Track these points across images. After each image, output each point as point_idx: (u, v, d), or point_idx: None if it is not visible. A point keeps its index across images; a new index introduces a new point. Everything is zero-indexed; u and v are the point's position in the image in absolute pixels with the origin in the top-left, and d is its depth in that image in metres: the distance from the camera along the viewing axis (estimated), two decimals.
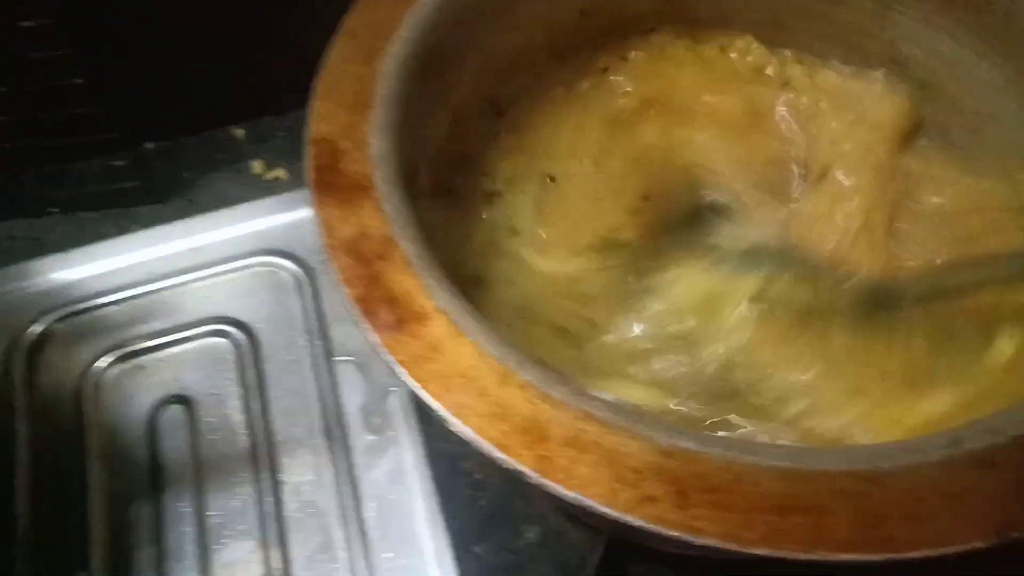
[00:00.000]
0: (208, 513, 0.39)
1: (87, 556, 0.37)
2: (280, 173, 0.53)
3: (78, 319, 0.44)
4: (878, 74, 0.37)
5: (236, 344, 0.43)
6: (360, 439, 0.40)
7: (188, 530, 0.38)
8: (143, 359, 0.43)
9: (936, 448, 0.20)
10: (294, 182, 0.53)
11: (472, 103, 0.34)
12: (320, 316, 0.44)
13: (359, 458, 0.40)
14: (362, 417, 0.41)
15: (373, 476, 0.39)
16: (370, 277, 0.26)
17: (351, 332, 0.43)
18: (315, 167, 0.28)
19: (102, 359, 0.43)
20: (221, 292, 0.45)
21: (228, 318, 0.44)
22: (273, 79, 0.53)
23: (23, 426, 0.40)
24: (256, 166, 0.54)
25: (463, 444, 0.36)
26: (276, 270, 0.45)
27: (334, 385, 0.42)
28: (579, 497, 0.22)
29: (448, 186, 0.34)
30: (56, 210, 0.51)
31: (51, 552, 0.37)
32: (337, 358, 0.42)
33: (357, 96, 0.29)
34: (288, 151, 0.54)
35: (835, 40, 0.38)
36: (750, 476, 0.21)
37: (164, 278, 0.45)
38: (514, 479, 0.22)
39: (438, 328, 0.25)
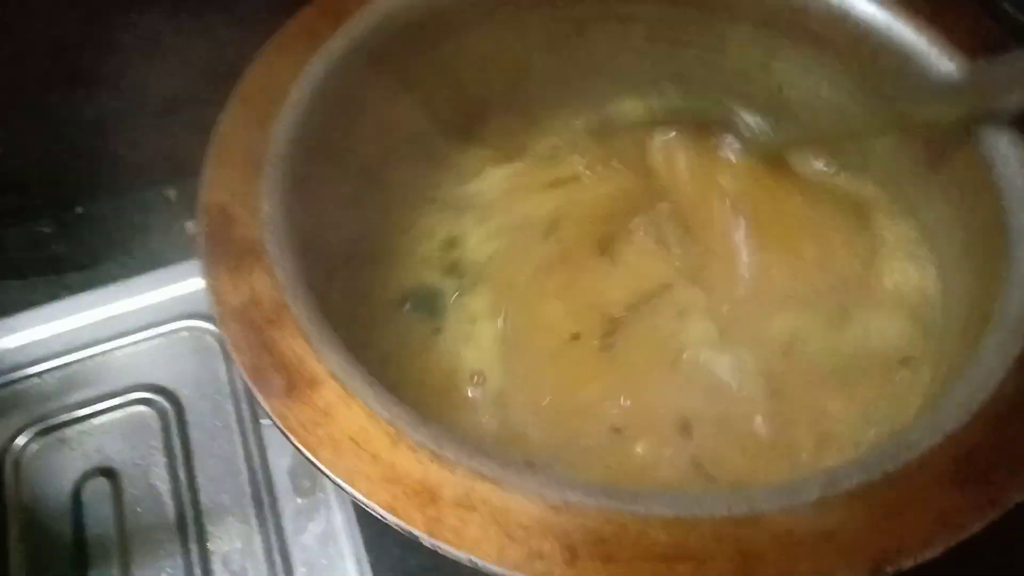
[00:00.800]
0: None
1: None
2: None
3: None
4: None
5: (161, 412, 0.43)
6: (289, 503, 0.40)
7: None
8: (65, 431, 0.42)
9: (812, 488, 0.20)
10: None
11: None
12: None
13: (289, 522, 0.39)
14: (291, 480, 0.40)
15: (303, 540, 0.39)
16: (261, 344, 0.26)
17: None
18: (206, 234, 0.28)
19: (22, 435, 0.42)
20: (145, 358, 0.44)
21: (153, 385, 0.43)
22: (202, 140, 0.53)
23: None
24: (190, 227, 0.53)
25: None
26: (201, 334, 0.45)
27: (262, 449, 0.41)
28: (470, 557, 0.22)
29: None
30: None
31: None
32: (264, 421, 0.42)
33: (249, 161, 0.29)
34: None
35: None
36: (636, 526, 0.21)
37: (86, 347, 0.44)
38: None
39: (329, 392, 0.25)
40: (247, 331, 0.26)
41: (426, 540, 0.22)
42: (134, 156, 0.52)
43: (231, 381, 0.43)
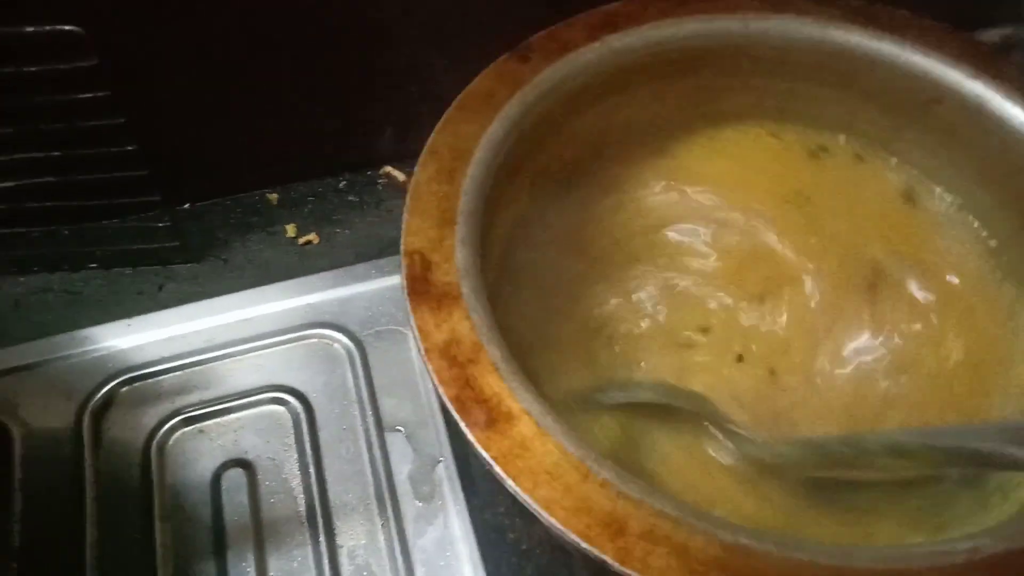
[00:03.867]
0: (269, 574, 0.41)
1: None
2: (312, 237, 0.57)
3: (141, 384, 0.47)
4: None
5: (293, 412, 0.46)
6: (410, 506, 0.43)
7: None
8: (204, 424, 0.46)
9: (960, 550, 0.24)
10: (325, 246, 0.56)
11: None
12: (371, 387, 0.47)
13: (409, 525, 0.43)
14: (411, 485, 0.44)
15: (423, 543, 0.42)
16: (463, 379, 0.30)
17: (400, 404, 0.46)
18: (408, 276, 0.32)
19: (166, 424, 0.45)
20: (277, 362, 0.48)
21: (285, 386, 0.47)
22: (305, 148, 0.57)
23: (91, 486, 0.43)
24: (289, 229, 0.57)
25: (509, 515, 0.40)
26: (329, 342, 0.48)
27: (385, 454, 0.45)
28: None
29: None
30: (94, 265, 0.54)
31: None
32: (387, 428, 0.45)
33: (442, 212, 0.33)
34: (318, 216, 0.57)
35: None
36: (800, 570, 0.25)
37: (224, 347, 0.48)
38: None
39: (525, 428, 0.29)
40: (450, 367, 0.30)
41: (616, 567, 0.26)
42: (239, 160, 0.57)
43: (357, 388, 0.47)
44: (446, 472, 0.44)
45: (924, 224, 0.40)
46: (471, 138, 0.35)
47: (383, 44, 0.51)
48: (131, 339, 0.48)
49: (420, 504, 0.43)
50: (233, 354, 0.48)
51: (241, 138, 0.55)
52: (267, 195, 0.59)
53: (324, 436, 0.46)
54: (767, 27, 0.39)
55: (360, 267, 0.51)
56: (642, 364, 0.38)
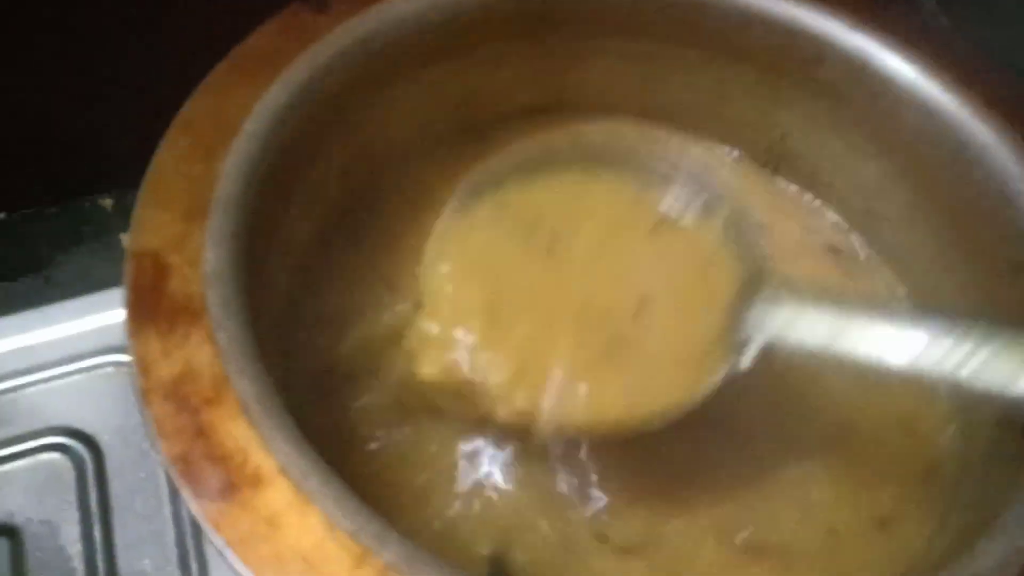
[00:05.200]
0: None
1: None
2: None
3: None
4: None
5: (77, 461, 0.37)
6: (220, 572, 0.35)
7: None
8: None
9: None
10: None
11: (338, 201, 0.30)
12: None
13: None
14: None
15: None
16: (195, 429, 0.21)
17: None
18: (133, 288, 0.23)
19: None
20: (62, 397, 0.39)
21: (69, 428, 0.38)
22: (145, 146, 0.49)
23: None
24: (125, 240, 0.49)
25: None
26: (127, 370, 0.40)
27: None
28: None
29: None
30: None
31: None
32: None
33: (192, 201, 0.25)
34: None
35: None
36: None
37: None
38: None
39: (277, 494, 0.21)
40: (178, 412, 0.22)
41: None
42: (66, 161, 0.49)
43: None
44: None
45: None
46: (241, 107, 0.27)
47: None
48: None
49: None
50: (4, 391, 0.38)
51: (63, 133, 0.47)
52: (99, 200, 0.50)
53: (115, 488, 0.37)
54: None
55: None
56: None
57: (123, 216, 0.49)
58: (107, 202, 0.50)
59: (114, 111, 0.46)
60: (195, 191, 0.25)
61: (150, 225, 0.24)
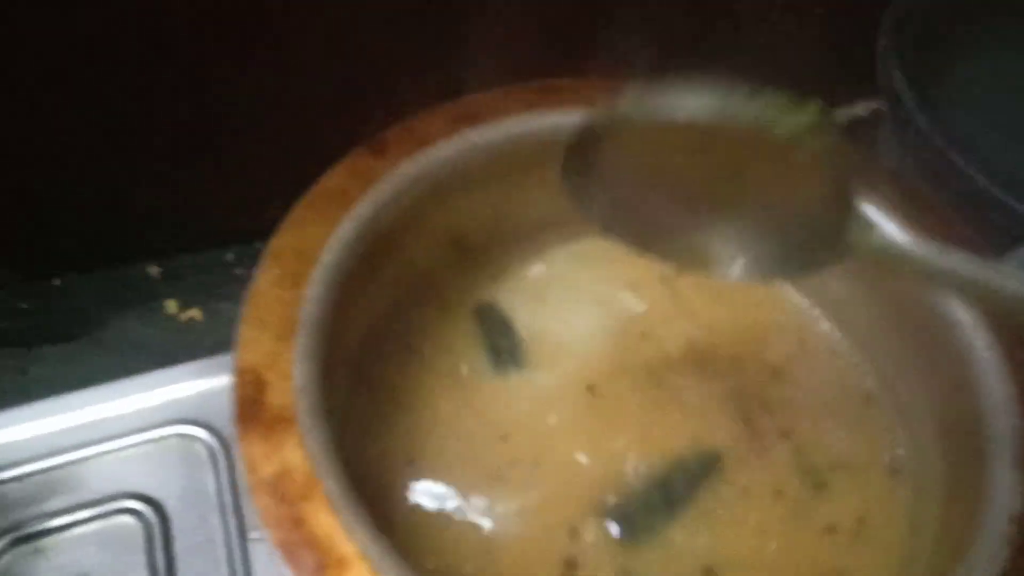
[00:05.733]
0: None
1: None
2: (195, 314, 0.53)
3: None
4: None
5: (145, 523, 0.42)
6: None
7: None
8: (42, 542, 0.41)
9: None
10: (210, 324, 0.53)
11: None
12: (234, 490, 0.43)
13: None
14: None
15: None
16: (293, 519, 0.27)
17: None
18: (239, 399, 0.29)
19: None
20: (129, 465, 0.44)
21: (136, 494, 0.43)
22: (189, 216, 0.54)
23: None
24: (170, 306, 0.54)
25: None
26: (189, 441, 0.45)
27: (247, 566, 0.41)
28: None
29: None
30: None
31: None
32: (252, 536, 0.42)
33: (283, 322, 0.30)
34: (203, 291, 0.54)
35: None
36: None
37: (67, 451, 0.43)
38: None
39: (357, 574, 0.26)
40: (279, 505, 0.27)
41: None
42: (115, 229, 0.53)
43: (219, 492, 0.43)
44: None
45: None
46: (319, 240, 0.33)
47: (275, 107, 0.48)
48: None
49: None
50: (78, 460, 0.43)
51: (114, 206, 0.51)
52: (147, 268, 0.56)
53: (180, 549, 0.42)
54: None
55: (226, 357, 0.47)
56: None
57: (167, 282, 0.54)
58: (153, 269, 0.55)
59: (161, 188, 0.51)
60: (285, 314, 0.31)
61: (251, 345, 0.30)
